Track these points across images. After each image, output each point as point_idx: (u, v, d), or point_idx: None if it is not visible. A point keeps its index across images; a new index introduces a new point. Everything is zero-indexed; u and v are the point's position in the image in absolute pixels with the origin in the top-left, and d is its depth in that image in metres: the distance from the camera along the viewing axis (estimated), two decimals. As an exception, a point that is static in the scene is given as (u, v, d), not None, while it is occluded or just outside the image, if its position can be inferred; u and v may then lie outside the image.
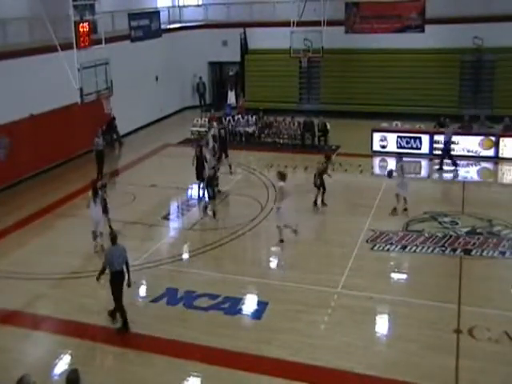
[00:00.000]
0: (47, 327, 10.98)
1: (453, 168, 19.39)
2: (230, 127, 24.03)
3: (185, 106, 30.86)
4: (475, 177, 19.57)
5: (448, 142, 19.60)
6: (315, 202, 16.25)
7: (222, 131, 20.00)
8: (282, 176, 14.40)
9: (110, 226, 14.06)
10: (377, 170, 20.48)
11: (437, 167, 19.69)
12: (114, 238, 10.40)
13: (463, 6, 25.30)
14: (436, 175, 19.52)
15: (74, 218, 16.06)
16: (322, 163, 16.30)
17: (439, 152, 20.14)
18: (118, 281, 10.31)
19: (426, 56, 26.60)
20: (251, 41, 29.50)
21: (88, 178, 19.14)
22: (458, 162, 19.58)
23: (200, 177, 16.95)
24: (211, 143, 18.99)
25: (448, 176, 19.13)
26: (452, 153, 19.70)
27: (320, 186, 16.17)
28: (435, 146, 20.82)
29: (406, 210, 15.60)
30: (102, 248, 13.39)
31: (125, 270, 10.34)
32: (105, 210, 13.97)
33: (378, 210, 15.90)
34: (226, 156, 19.50)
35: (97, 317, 11.09)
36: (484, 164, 20.17)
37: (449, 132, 19.77)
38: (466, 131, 21.21)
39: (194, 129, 24.67)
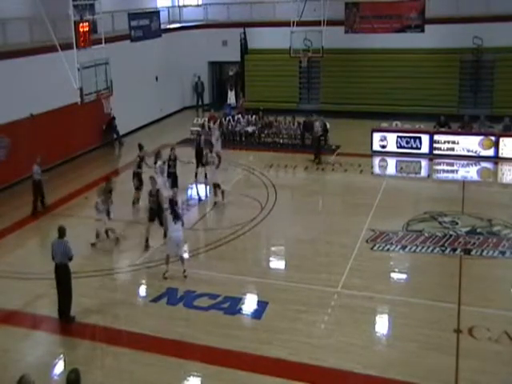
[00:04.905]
0: (47, 327, 10.98)
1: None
2: (229, 127, 24.06)
3: (185, 106, 30.89)
4: (475, 177, 19.59)
5: (318, 137, 20.34)
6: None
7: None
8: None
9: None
10: (377, 170, 20.49)
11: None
12: (60, 231, 10.81)
13: (463, 6, 25.39)
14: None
15: (73, 218, 16.04)
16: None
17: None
18: (56, 273, 10.85)
19: (426, 56, 26.62)
20: (251, 41, 29.50)
21: (88, 178, 19.25)
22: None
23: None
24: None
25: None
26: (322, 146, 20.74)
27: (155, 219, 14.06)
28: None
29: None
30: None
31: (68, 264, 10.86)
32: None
33: (377, 210, 15.89)
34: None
35: (97, 317, 11.10)
36: (484, 164, 20.18)
37: (317, 127, 20.25)
38: (466, 131, 21.23)
39: (194, 128, 24.65)
